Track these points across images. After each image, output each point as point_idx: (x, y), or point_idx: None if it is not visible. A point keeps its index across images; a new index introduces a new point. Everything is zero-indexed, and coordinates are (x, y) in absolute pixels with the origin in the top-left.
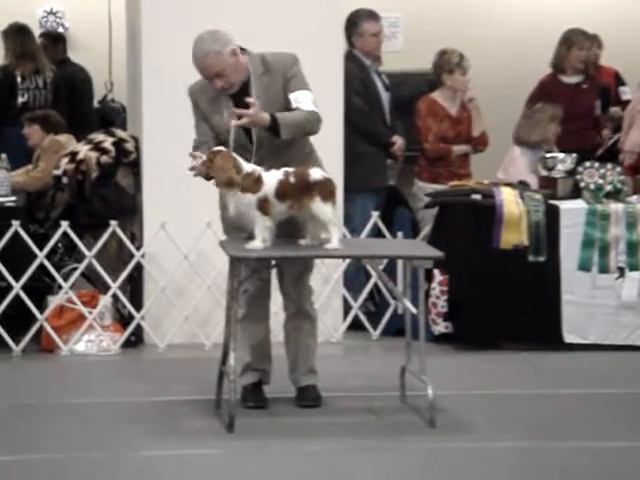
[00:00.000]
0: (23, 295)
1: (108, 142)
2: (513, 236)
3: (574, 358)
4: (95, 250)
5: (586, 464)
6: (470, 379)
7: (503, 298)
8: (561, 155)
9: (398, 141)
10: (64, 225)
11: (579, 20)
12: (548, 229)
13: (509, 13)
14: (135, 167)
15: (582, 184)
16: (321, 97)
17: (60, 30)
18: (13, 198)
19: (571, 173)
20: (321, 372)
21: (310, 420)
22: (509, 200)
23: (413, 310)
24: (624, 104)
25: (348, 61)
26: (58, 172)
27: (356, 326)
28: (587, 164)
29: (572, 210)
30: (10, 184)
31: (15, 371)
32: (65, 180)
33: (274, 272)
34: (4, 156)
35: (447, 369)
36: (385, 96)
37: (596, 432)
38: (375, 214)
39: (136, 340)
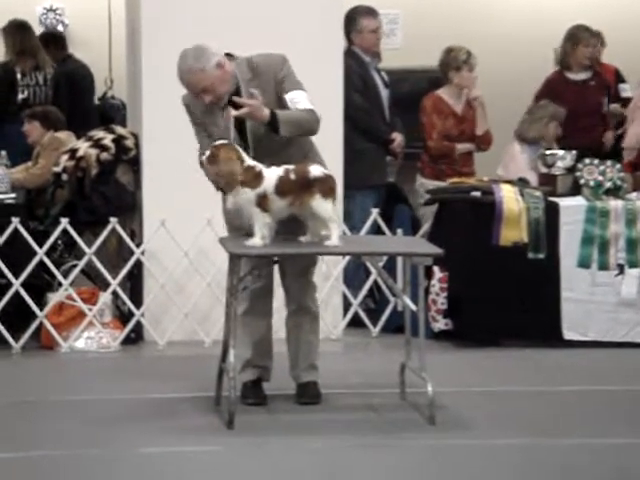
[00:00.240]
0: (23, 292)
1: (108, 139)
2: (513, 233)
3: (574, 355)
4: (95, 247)
5: (586, 461)
6: (470, 376)
7: (503, 295)
8: (561, 152)
9: (397, 138)
10: (64, 222)
11: (579, 17)
12: (548, 226)
13: (509, 9)
14: (135, 164)
15: (582, 181)
16: (320, 94)
17: (60, 27)
18: (13, 195)
19: (571, 170)
20: (321, 369)
21: (310, 417)
22: (509, 197)
23: (413, 307)
24: (624, 101)
25: (347, 58)
26: (58, 169)
27: (356, 323)
28: (587, 161)
29: (572, 207)
30: (10, 181)
31: (15, 368)
32: (65, 177)
33: (276, 268)
34: (4, 153)
35: (447, 366)
36: (384, 93)
37: (596, 429)
38: (375, 211)
39: (136, 337)
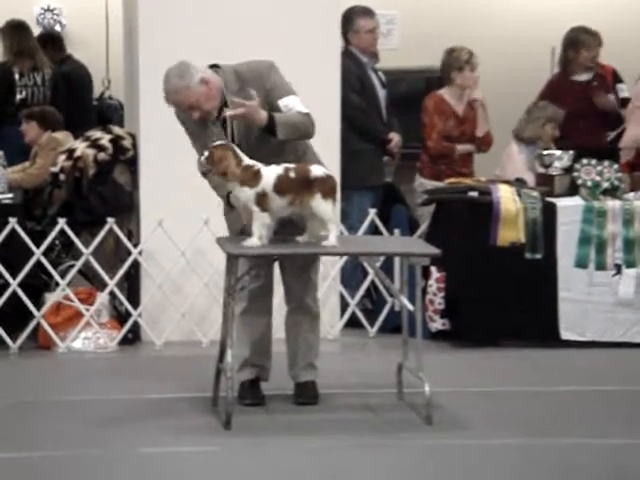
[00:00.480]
0: (20, 292)
1: (105, 139)
2: (510, 233)
3: (571, 355)
4: (92, 247)
5: (583, 461)
6: (467, 376)
7: (500, 295)
8: (558, 152)
9: (395, 138)
10: (61, 222)
11: (577, 17)
12: (545, 226)
13: (508, 10)
14: (132, 164)
15: (579, 181)
16: (318, 94)
17: (57, 27)
18: (10, 195)
19: (568, 170)
20: (318, 369)
21: (307, 417)
22: (506, 197)
23: (410, 307)
24: (622, 102)
25: (345, 58)
26: (55, 169)
27: (353, 323)
28: (584, 161)
29: (569, 207)
30: (7, 181)
31: (12, 368)
32: (62, 177)
33: (276, 268)
34: (1, 153)
35: (444, 366)
36: (382, 93)
37: (593, 429)
38: (372, 211)
39: (133, 337)
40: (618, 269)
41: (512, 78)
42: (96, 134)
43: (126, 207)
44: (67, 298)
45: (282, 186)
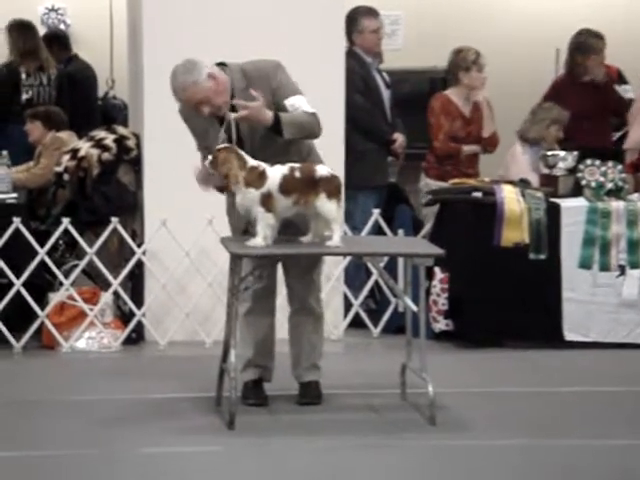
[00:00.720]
0: (24, 292)
1: (109, 139)
2: (514, 234)
3: (575, 356)
4: (96, 247)
5: (586, 462)
6: (470, 377)
7: (504, 296)
8: (562, 153)
9: (399, 138)
10: (65, 222)
11: (580, 18)
12: (549, 227)
13: (510, 10)
14: (136, 164)
15: (583, 182)
16: (322, 95)
17: (62, 27)
18: (14, 195)
19: (572, 171)
20: (322, 369)
21: (310, 417)
22: (510, 198)
23: (414, 308)
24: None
25: (349, 58)
26: (59, 169)
27: (357, 324)
28: (588, 162)
29: (573, 208)
30: (11, 181)
31: (16, 368)
32: (66, 177)
33: (280, 268)
34: (5, 153)
35: (448, 367)
36: (386, 94)
37: (596, 430)
38: (376, 212)
39: (137, 337)
40: (622, 270)
41: (516, 78)
42: (100, 134)
43: (130, 207)
44: (71, 298)
45: (287, 186)
